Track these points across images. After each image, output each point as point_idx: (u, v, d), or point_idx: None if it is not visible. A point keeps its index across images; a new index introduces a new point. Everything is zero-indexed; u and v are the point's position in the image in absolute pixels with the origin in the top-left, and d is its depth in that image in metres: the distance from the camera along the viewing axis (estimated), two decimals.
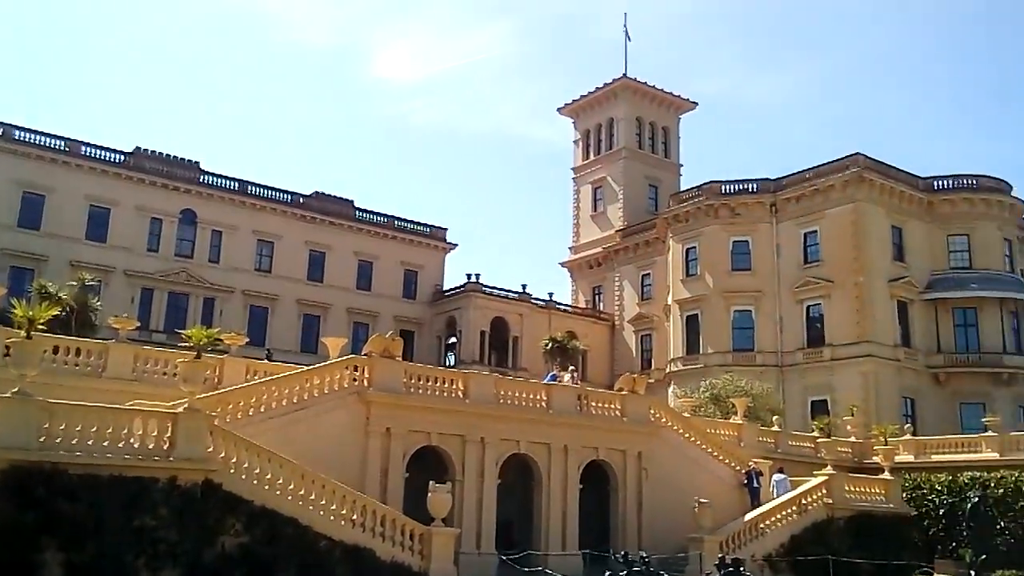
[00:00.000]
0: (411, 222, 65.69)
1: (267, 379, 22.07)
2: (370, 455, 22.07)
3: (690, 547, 24.53)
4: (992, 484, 31.61)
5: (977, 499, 28.79)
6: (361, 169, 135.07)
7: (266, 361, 29.37)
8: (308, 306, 59.20)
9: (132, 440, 15.85)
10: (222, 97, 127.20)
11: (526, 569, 19.96)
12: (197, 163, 57.84)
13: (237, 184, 58.51)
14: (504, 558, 22.05)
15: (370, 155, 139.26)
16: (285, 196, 60.42)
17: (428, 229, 66.26)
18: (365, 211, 63.81)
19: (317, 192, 62.61)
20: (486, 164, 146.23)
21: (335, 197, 63.11)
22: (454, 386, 24.36)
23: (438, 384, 24.11)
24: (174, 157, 57.05)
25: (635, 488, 27.10)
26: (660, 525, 26.49)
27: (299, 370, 22.76)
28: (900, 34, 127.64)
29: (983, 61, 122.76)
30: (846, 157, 51.16)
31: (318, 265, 60.49)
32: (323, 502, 18.41)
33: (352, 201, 63.65)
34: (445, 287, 65.04)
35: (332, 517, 18.43)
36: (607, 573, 16.93)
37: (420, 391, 23.49)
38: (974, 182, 52.30)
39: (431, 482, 20.00)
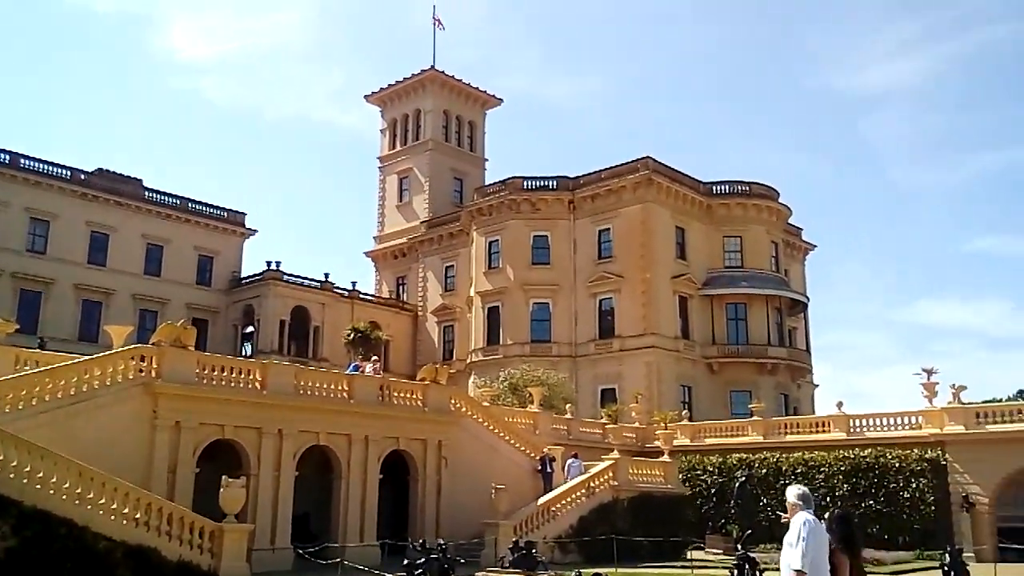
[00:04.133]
0: (207, 205, 62.51)
1: (41, 370, 20.38)
2: (157, 450, 21.04)
3: (486, 532, 25.34)
4: (756, 464, 34.98)
5: (744, 479, 31.71)
6: (151, 147, 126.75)
7: (39, 350, 27.04)
8: (89, 291, 54.91)
9: None
10: None
11: (322, 562, 19.81)
12: None
13: (8, 156, 53.15)
14: (300, 552, 21.76)
15: (162, 133, 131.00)
16: (64, 172, 55.55)
17: (225, 213, 63.31)
18: (155, 191, 59.98)
19: (100, 169, 58.08)
20: (289, 149, 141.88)
21: (121, 175, 58.84)
22: (251, 377, 23.70)
23: (234, 375, 23.36)
24: None
25: (435, 477, 27.56)
26: (460, 512, 27.13)
27: (78, 360, 21.23)
28: (684, 48, 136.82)
29: (761, 76, 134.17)
30: (637, 160, 54.23)
31: (101, 247, 56.19)
32: (103, 501, 17.38)
33: (141, 180, 59.66)
34: (243, 274, 62.54)
35: (113, 516, 17.44)
36: (404, 562, 17.19)
37: (214, 382, 22.64)
38: (747, 188, 57.11)
39: (224, 477, 19.38)
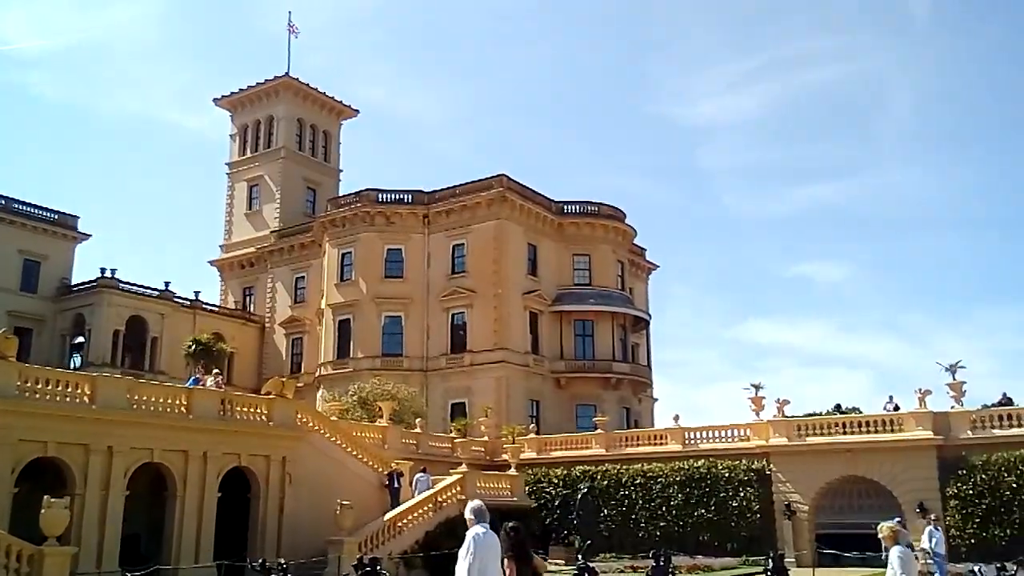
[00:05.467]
0: (33, 206, 58.17)
1: None
2: None
3: (330, 549, 24.90)
4: (598, 477, 36.17)
5: (585, 490, 32.70)
6: None
7: None
8: None
9: None
10: None
11: None
12: None
13: None
14: (129, 575, 20.69)
15: None
16: None
17: (55, 216, 59.17)
18: None
19: None
20: (129, 150, 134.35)
21: None
22: (78, 390, 22.33)
23: (59, 388, 21.94)
24: None
25: (278, 494, 26.81)
26: (304, 530, 26.50)
27: None
28: (536, 70, 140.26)
29: (608, 101, 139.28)
30: (492, 177, 55.00)
31: None
32: None
33: None
34: (74, 281, 58.66)
35: None
36: None
37: (36, 396, 21.19)
38: (596, 209, 59.08)
39: (46, 497, 18.15)
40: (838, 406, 56.17)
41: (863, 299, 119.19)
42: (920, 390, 31.93)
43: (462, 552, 8.13)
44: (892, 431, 32.12)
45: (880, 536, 10.05)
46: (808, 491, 33.04)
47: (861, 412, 37.88)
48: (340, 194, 65.43)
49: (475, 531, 8.19)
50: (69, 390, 22.15)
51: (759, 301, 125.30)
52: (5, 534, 17.78)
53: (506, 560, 8.12)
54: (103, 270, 56.81)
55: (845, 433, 33.13)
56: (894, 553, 9.73)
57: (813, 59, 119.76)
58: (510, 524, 8.33)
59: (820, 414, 45.18)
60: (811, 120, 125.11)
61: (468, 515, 8.42)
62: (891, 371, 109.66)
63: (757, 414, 35.12)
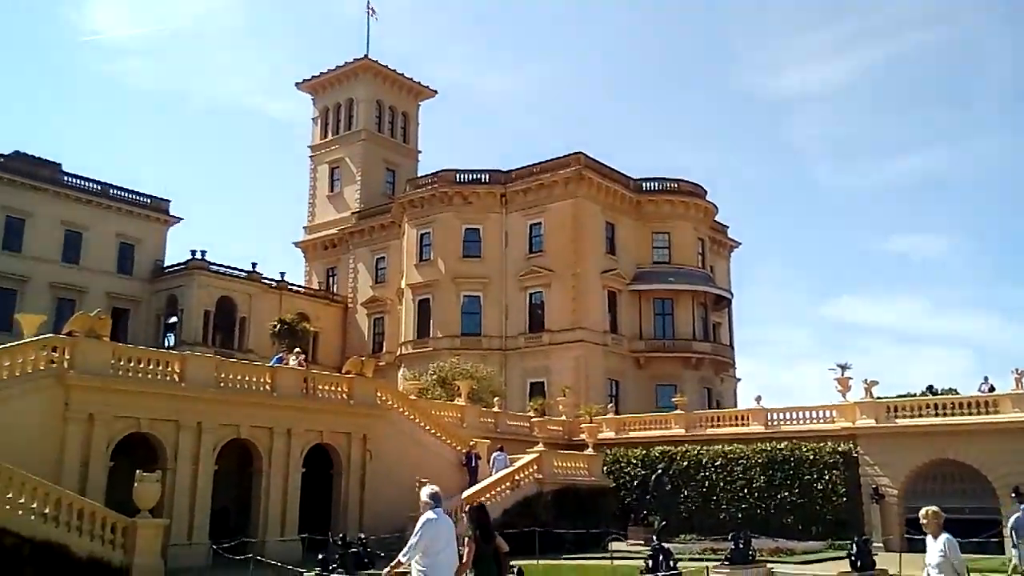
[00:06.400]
0: (129, 191, 60.72)
1: None
2: (69, 443, 20.49)
3: (409, 525, 25.26)
4: (678, 457, 35.74)
5: (660, 471, 32.33)
6: (71, 131, 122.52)
7: None
8: (2, 278, 52.83)
9: None
10: None
11: (238, 558, 19.56)
12: None
13: None
14: (216, 548, 21.46)
15: (82, 116, 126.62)
16: None
17: (149, 200, 61.58)
18: (74, 176, 57.98)
19: (17, 152, 55.93)
20: (217, 135, 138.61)
21: (38, 159, 56.76)
22: (169, 368, 23.23)
23: (151, 366, 22.87)
24: None
25: (359, 470, 27.42)
26: (384, 506, 27.04)
27: None
28: (612, 47, 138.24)
29: (688, 76, 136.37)
30: (569, 155, 54.55)
31: (16, 233, 54.06)
32: (9, 495, 16.88)
33: (59, 164, 57.66)
34: (167, 263, 61.01)
35: (20, 512, 16.96)
36: (320, 556, 17.13)
37: (130, 374, 22.13)
38: (675, 185, 58.05)
39: (138, 471, 18.98)
40: (930, 387, 54.31)
41: (962, 274, 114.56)
42: (1017, 370, 30.43)
43: (413, 534, 8.41)
44: (987, 413, 30.72)
45: (923, 522, 9.54)
46: (897, 475, 31.93)
47: (957, 393, 36.43)
48: (419, 175, 66.03)
49: (427, 515, 8.46)
50: (160, 368, 23.05)
51: (850, 277, 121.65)
52: (101, 506, 18.66)
53: (467, 540, 8.40)
54: (193, 252, 58.97)
55: (937, 415, 31.84)
56: (946, 542, 9.24)
57: (906, 23, 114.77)
58: (472, 505, 8.51)
59: (913, 395, 43.73)
60: (904, 88, 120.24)
61: (424, 498, 8.65)
62: (992, 350, 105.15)
63: (844, 395, 34.07)
